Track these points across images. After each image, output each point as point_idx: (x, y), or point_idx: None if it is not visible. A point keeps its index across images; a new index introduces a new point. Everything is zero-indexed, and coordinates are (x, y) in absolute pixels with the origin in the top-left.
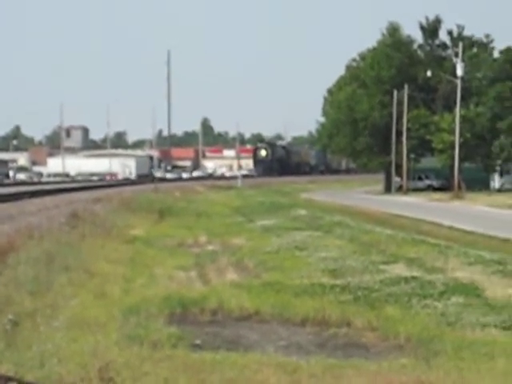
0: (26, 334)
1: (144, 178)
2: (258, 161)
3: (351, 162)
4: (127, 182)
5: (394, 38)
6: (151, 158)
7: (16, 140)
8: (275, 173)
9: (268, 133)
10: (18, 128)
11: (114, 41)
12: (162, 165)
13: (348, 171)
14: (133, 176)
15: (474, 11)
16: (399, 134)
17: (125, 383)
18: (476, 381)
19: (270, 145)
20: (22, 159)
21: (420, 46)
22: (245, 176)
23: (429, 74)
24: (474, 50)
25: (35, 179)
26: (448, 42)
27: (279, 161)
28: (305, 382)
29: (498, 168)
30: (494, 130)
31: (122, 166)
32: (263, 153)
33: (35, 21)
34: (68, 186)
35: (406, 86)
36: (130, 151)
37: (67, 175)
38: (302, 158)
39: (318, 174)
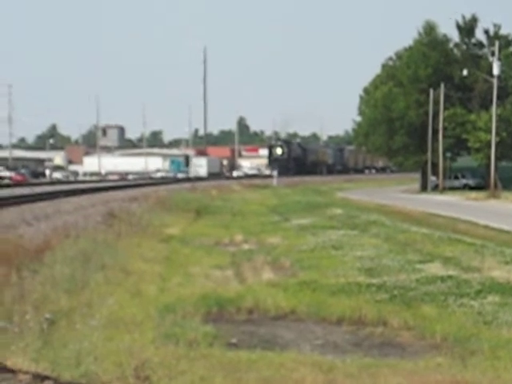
0: (62, 333)
1: (216, 176)
2: (273, 159)
3: (368, 161)
4: (171, 180)
5: (430, 37)
6: (187, 157)
7: (52, 139)
8: (291, 172)
9: (304, 132)
10: (54, 127)
11: (151, 39)
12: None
13: (361, 170)
14: (205, 174)
15: (511, 9)
16: (435, 132)
17: (161, 382)
18: None
19: (286, 142)
20: (59, 158)
21: (456, 45)
22: (251, 176)
23: (465, 72)
24: (511, 48)
25: (71, 178)
26: (484, 40)
27: (295, 160)
28: (341, 381)
29: None
30: None
31: (194, 165)
32: (279, 151)
33: (72, 19)
34: (104, 184)
35: (442, 85)
36: (166, 150)
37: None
38: (319, 156)
39: (335, 174)
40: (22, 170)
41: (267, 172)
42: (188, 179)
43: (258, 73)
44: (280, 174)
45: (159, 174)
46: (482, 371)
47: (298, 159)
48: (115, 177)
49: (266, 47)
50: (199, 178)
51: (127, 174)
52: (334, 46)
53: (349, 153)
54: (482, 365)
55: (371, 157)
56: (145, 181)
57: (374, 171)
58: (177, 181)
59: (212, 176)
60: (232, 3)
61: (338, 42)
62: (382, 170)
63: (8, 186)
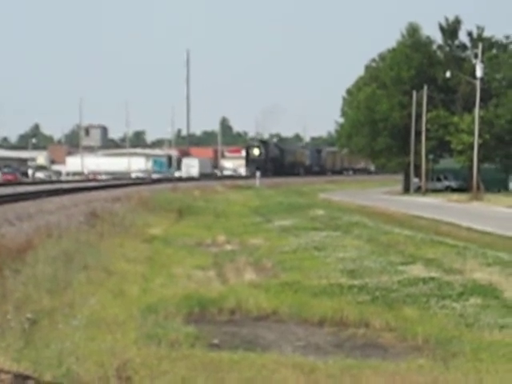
0: (44, 333)
1: (207, 176)
2: (250, 160)
3: (346, 162)
4: (148, 181)
5: (413, 39)
6: (170, 157)
7: (35, 138)
8: (269, 173)
9: (287, 133)
10: (37, 126)
11: (134, 40)
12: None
13: (339, 171)
14: (196, 175)
15: (494, 12)
16: (418, 134)
17: (143, 382)
18: (494, 382)
19: (264, 143)
20: (41, 158)
21: (439, 47)
22: (229, 177)
23: (448, 74)
24: (494, 51)
25: (54, 178)
26: (467, 42)
27: (273, 160)
28: (323, 382)
29: None
30: None
31: (186, 165)
32: (256, 152)
33: (54, 19)
34: (87, 184)
35: (425, 87)
36: (148, 150)
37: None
38: (297, 157)
39: (312, 175)
40: (5, 170)
41: (242, 173)
42: (169, 180)
43: (241, 73)
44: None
45: (134, 175)
46: (463, 373)
47: (276, 160)
48: (90, 176)
49: (249, 48)
50: (181, 179)
51: (96, 174)
52: (317, 46)
53: (326, 154)
54: (464, 367)
55: (349, 158)
56: (121, 181)
57: (351, 172)
58: (157, 181)
59: (203, 176)
60: (215, 5)
61: (321, 43)
62: (360, 171)
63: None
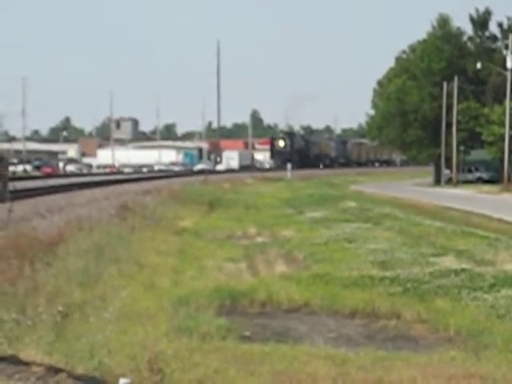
0: (75, 326)
1: (246, 168)
2: (275, 152)
3: (372, 154)
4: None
5: (444, 30)
6: (200, 149)
7: (66, 131)
8: (294, 165)
9: (318, 125)
10: (68, 119)
11: (164, 32)
12: (212, 156)
13: (364, 163)
14: (236, 167)
15: None
16: (449, 126)
17: (174, 374)
18: None
19: (289, 135)
20: (72, 151)
21: (470, 38)
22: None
23: (479, 66)
24: None
25: (85, 171)
26: (498, 34)
27: (298, 152)
28: (354, 373)
29: None
30: None
31: (226, 158)
32: (281, 143)
33: (85, 13)
34: (117, 177)
35: (455, 78)
36: (179, 143)
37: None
38: (322, 149)
39: (338, 167)
40: (36, 162)
41: (267, 165)
42: (201, 172)
43: (272, 65)
44: (282, 166)
45: (157, 167)
46: (495, 365)
47: (301, 151)
48: (107, 170)
49: (280, 40)
50: (212, 172)
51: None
52: (349, 39)
53: (352, 146)
54: (496, 358)
55: (374, 150)
56: (151, 174)
57: (377, 165)
58: (190, 174)
59: (243, 168)
60: None
61: (352, 35)
62: (386, 163)
63: (38, 177)
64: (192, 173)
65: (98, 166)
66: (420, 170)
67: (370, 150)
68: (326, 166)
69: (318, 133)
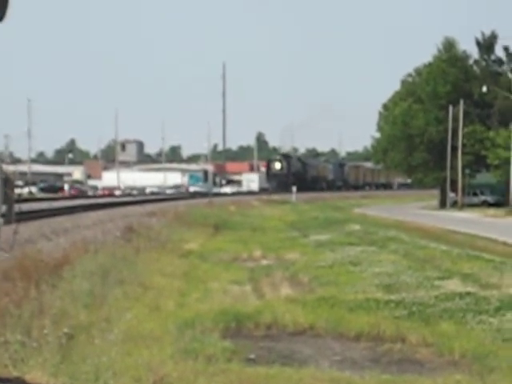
0: (81, 348)
1: (265, 190)
2: (272, 174)
3: (369, 177)
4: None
5: (449, 54)
6: (206, 172)
7: (71, 153)
8: (291, 188)
9: (323, 148)
10: (73, 141)
11: (170, 54)
12: (217, 179)
13: (362, 186)
14: (256, 189)
15: None
16: (454, 149)
17: None
18: None
19: (286, 157)
20: (77, 173)
21: (476, 62)
22: (248, 193)
23: (484, 89)
24: None
25: (90, 193)
26: (504, 57)
27: (295, 175)
28: None
29: None
30: None
31: (247, 180)
32: (278, 165)
33: (92, 35)
34: (122, 199)
35: (461, 102)
36: (184, 165)
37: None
38: (319, 172)
39: (335, 190)
40: (41, 185)
41: (253, 187)
42: (205, 194)
43: (277, 89)
44: (279, 189)
45: (148, 190)
46: None
47: (298, 174)
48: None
49: (284, 64)
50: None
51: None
52: (354, 61)
53: (349, 168)
54: (501, 382)
55: (372, 173)
56: (157, 196)
57: (374, 188)
58: (194, 196)
59: (263, 190)
60: (249, 19)
61: (357, 58)
62: (384, 186)
63: (43, 199)
64: (199, 195)
65: (103, 188)
66: (423, 194)
67: (367, 173)
68: (322, 189)
69: (323, 155)
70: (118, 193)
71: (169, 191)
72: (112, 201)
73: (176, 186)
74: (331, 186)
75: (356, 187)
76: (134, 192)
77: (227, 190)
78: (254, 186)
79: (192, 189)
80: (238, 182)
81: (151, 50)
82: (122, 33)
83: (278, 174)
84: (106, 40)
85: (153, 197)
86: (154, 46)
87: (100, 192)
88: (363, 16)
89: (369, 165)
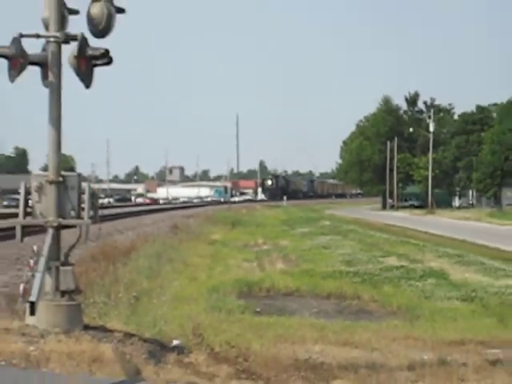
0: (143, 305)
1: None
2: (265, 188)
3: (330, 189)
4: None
5: (387, 106)
6: (226, 187)
7: (136, 176)
8: (278, 197)
9: (303, 169)
10: (137, 167)
11: (206, 106)
12: (234, 192)
13: (325, 195)
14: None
15: (442, 86)
16: (391, 170)
17: (210, 337)
18: (445, 335)
19: (275, 176)
20: (140, 188)
21: (405, 112)
22: (247, 200)
23: (411, 130)
24: (441, 114)
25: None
26: (424, 108)
27: (281, 188)
28: (329, 336)
29: (457, 193)
30: (454, 167)
31: (260, 193)
32: (269, 182)
33: (148, 89)
34: (171, 206)
35: (395, 139)
36: (211, 183)
37: (176, 199)
38: (297, 186)
39: (308, 199)
40: (116, 197)
41: (259, 197)
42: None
43: (274, 129)
44: (270, 198)
45: (182, 199)
46: (424, 329)
47: (283, 188)
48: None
49: (278, 110)
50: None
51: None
52: (326, 113)
53: (317, 183)
54: (424, 325)
55: (332, 186)
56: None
57: (333, 197)
58: (223, 203)
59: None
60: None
61: (326, 111)
62: (340, 195)
63: (117, 206)
64: (219, 203)
65: (147, 198)
66: (370, 200)
67: (329, 187)
68: (299, 198)
69: (303, 175)
70: (161, 201)
71: (195, 200)
72: (161, 207)
73: (200, 197)
74: (305, 196)
75: (322, 196)
76: (177, 201)
77: (236, 199)
78: (259, 197)
79: (208, 199)
80: (248, 194)
81: (190, 101)
82: (172, 87)
83: (270, 188)
84: (160, 92)
85: (189, 204)
86: (192, 98)
87: (147, 201)
88: (330, 81)
89: (331, 181)
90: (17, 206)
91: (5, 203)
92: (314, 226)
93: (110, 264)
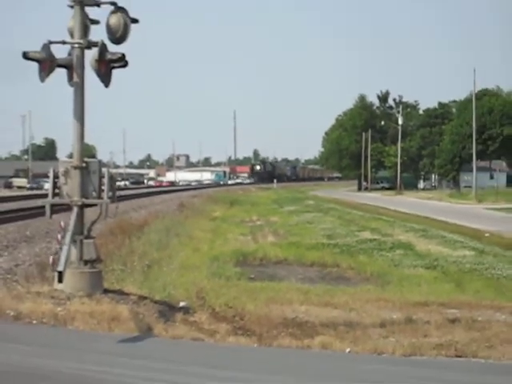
0: (154, 272)
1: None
2: (254, 172)
3: (311, 173)
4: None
5: (362, 103)
6: (224, 172)
7: (148, 162)
8: (266, 180)
9: (291, 157)
10: (149, 155)
11: (205, 104)
12: (231, 176)
13: (307, 179)
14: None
15: (410, 86)
16: (366, 157)
17: (211, 299)
18: (411, 297)
19: (263, 162)
20: (152, 173)
21: (377, 107)
22: (238, 183)
23: (382, 123)
24: (408, 109)
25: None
26: (393, 104)
27: (268, 173)
28: (313, 298)
29: (422, 176)
30: (419, 155)
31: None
32: (258, 167)
33: (158, 88)
34: (177, 187)
35: (369, 131)
36: (212, 168)
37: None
38: (282, 170)
39: (292, 182)
40: (131, 180)
41: (247, 181)
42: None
43: (268, 123)
44: (259, 181)
45: (191, 182)
46: (393, 293)
47: (270, 172)
48: (165, 183)
49: (273, 104)
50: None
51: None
52: (312, 108)
53: (299, 169)
54: (394, 289)
55: (312, 171)
56: (192, 186)
57: (314, 180)
58: (223, 185)
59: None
60: (255, 76)
61: (310, 107)
62: (319, 179)
63: (132, 188)
64: (219, 185)
65: (156, 181)
66: (347, 183)
67: (310, 171)
68: (284, 181)
69: (291, 162)
70: (164, 184)
71: (193, 183)
72: (170, 189)
73: (199, 181)
74: (289, 179)
75: (303, 179)
76: (182, 183)
77: (231, 182)
78: (247, 180)
79: (206, 181)
80: (239, 177)
81: (197, 100)
82: (183, 88)
83: (258, 172)
84: (169, 95)
85: (193, 186)
86: (199, 96)
87: (164, 183)
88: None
89: (311, 166)
90: (37, 189)
91: (28, 186)
92: (300, 205)
93: (126, 237)
